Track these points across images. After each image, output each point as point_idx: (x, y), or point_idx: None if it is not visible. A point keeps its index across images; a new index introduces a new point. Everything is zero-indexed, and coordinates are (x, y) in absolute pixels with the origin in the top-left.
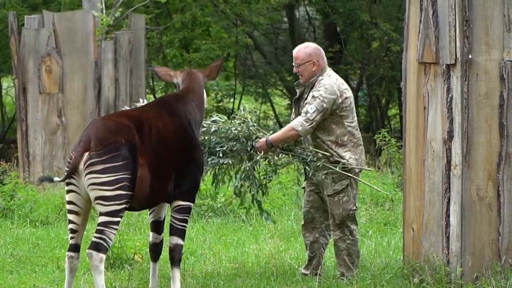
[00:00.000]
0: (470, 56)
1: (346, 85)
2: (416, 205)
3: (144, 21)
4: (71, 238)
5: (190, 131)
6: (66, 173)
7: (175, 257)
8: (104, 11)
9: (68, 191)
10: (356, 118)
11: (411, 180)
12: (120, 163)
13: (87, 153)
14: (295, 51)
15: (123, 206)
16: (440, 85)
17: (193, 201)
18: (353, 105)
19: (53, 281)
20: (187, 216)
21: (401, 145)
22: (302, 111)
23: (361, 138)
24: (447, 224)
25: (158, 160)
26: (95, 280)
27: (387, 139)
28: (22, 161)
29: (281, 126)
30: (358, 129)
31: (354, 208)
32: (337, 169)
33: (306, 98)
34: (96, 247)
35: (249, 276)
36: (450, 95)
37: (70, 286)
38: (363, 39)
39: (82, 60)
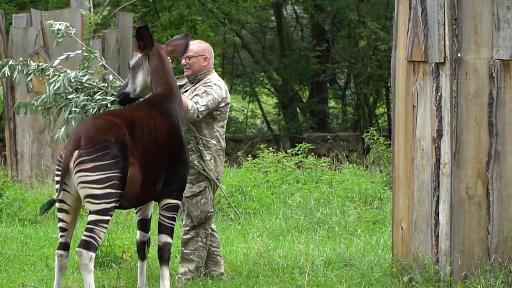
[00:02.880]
0: (459, 55)
1: (228, 94)
2: (405, 203)
3: (132, 19)
4: (61, 236)
5: (180, 130)
6: (58, 178)
7: (164, 255)
8: (92, 9)
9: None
10: (224, 130)
11: (400, 178)
12: (110, 161)
13: (76, 151)
14: (190, 44)
15: (113, 204)
16: (429, 83)
17: (181, 199)
18: (227, 115)
19: (42, 280)
20: (175, 214)
21: (390, 144)
22: (192, 100)
23: (224, 150)
24: (436, 223)
25: (149, 159)
26: (84, 279)
27: (375, 138)
28: (10, 160)
29: (268, 125)
30: (224, 141)
31: (212, 210)
32: (199, 166)
33: (186, 91)
34: (86, 245)
35: (237, 274)
36: (439, 94)
37: (59, 284)
38: (351, 38)
39: (70, 58)
